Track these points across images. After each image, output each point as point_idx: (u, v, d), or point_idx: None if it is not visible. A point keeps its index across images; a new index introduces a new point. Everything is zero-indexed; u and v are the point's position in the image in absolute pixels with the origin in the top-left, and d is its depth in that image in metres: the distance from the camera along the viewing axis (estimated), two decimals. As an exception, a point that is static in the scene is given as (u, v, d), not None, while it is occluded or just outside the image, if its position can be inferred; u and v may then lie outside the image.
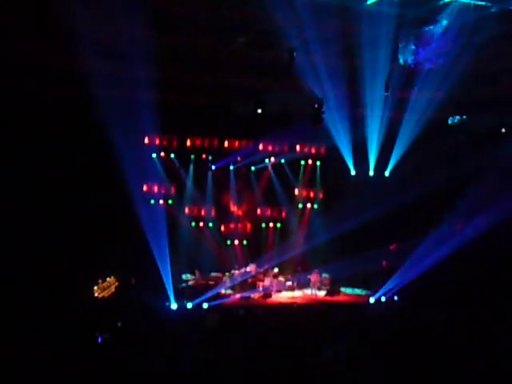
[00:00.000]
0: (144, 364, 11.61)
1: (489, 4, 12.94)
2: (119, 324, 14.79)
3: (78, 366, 11.38)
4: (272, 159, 23.86)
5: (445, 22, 13.10)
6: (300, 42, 14.80)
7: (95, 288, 19.12)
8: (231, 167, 23.40)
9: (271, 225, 24.33)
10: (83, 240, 18.65)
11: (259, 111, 18.18)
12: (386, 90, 17.19)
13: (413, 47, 13.78)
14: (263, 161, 23.82)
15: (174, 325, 16.18)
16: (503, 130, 21.11)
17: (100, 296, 19.08)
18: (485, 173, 19.83)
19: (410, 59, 13.70)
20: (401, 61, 13.90)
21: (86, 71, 15.18)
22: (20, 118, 17.78)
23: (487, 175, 19.75)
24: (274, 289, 21.40)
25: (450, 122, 21.37)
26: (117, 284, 19.93)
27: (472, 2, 12.29)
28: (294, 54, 14.80)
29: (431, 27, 13.33)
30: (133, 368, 11.20)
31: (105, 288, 19.47)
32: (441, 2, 13.02)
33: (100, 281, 19.45)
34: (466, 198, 19.95)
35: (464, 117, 21.20)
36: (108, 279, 19.78)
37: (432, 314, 16.45)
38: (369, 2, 13.13)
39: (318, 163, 24.48)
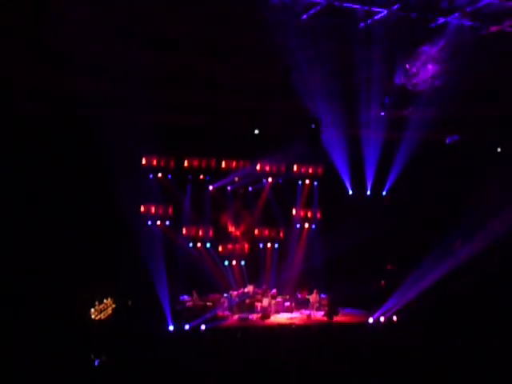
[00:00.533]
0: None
1: (484, 24, 13.07)
2: (116, 346, 14.70)
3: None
4: (269, 179, 23.89)
5: (440, 43, 13.21)
6: (297, 63, 14.89)
7: (92, 310, 18.97)
8: (229, 188, 23.41)
9: (269, 245, 24.23)
10: (80, 261, 18.55)
11: (256, 132, 18.29)
12: (383, 110, 17.30)
13: (409, 67, 13.87)
14: (261, 181, 23.84)
15: (171, 346, 16.08)
16: (499, 150, 21.20)
17: (97, 318, 18.93)
18: (482, 192, 19.87)
19: (406, 79, 13.79)
20: (397, 81, 13.99)
21: (84, 92, 15.25)
22: (18, 139, 17.78)
23: (484, 194, 19.80)
24: (273, 310, 21.29)
25: (447, 141, 21.45)
26: (114, 306, 19.79)
27: (467, 23, 12.42)
28: (291, 74, 14.90)
29: (427, 48, 13.44)
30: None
31: (102, 310, 19.32)
32: (437, 23, 13.14)
33: (97, 303, 19.31)
34: (464, 217, 19.97)
35: (460, 136, 21.27)
36: (105, 301, 19.64)
37: (431, 333, 16.41)
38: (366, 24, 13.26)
39: (316, 183, 24.50)
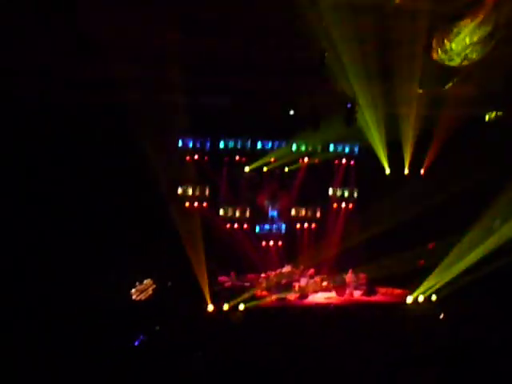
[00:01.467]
0: (181, 366, 11.73)
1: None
2: (157, 327, 14.96)
3: (115, 368, 11.57)
4: (306, 159, 23.80)
5: (479, 16, 12.84)
6: (331, 43, 14.73)
7: (133, 291, 19.34)
8: (265, 168, 23.40)
9: (306, 225, 24.25)
10: (120, 243, 18.90)
11: (291, 112, 18.21)
12: (420, 87, 17.00)
13: (446, 42, 13.55)
14: (297, 161, 23.76)
15: (210, 326, 16.30)
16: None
17: (137, 299, 19.29)
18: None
19: (443, 55, 13.48)
20: (434, 57, 13.69)
21: (118, 77, 15.38)
22: (58, 126, 18.12)
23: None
24: (310, 289, 21.34)
25: (487, 117, 20.97)
26: (154, 286, 20.12)
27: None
28: (326, 54, 14.74)
29: (465, 22, 13.09)
30: (169, 370, 11.32)
31: (142, 290, 19.68)
32: (474, -3, 12.79)
33: (137, 283, 19.67)
34: (504, 196, 19.59)
35: (501, 112, 20.78)
36: (145, 282, 19.99)
37: (471, 314, 16.26)
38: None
39: (352, 162, 24.32)
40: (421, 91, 17.33)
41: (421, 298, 19.97)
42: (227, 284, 21.59)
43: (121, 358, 12.12)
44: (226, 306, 18.54)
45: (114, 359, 11.95)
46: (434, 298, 19.88)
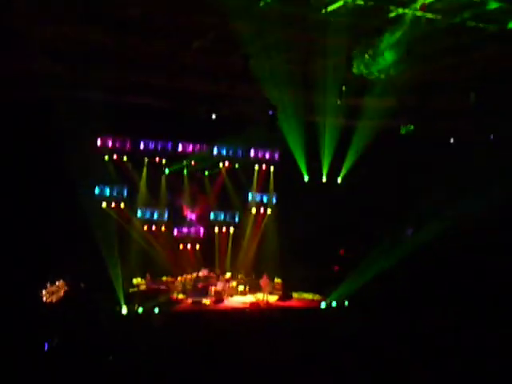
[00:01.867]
0: (91, 368, 11.48)
1: (439, 17, 13.30)
2: (67, 329, 14.57)
3: (24, 370, 11.18)
4: (226, 164, 23.89)
5: (397, 34, 13.37)
6: (256, 49, 14.87)
7: (43, 292, 18.73)
8: (185, 171, 23.31)
9: (224, 229, 24.33)
10: (32, 243, 18.27)
11: (214, 116, 18.24)
12: (340, 98, 17.46)
13: (366, 57, 13.99)
14: (217, 165, 23.82)
15: (124, 330, 16.04)
16: (451, 140, 21.65)
17: (48, 300, 18.70)
18: (434, 180, 20.32)
19: (363, 68, 13.91)
20: (354, 69, 14.10)
21: (39, 73, 14.92)
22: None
23: (437, 182, 20.26)
24: (226, 293, 21.42)
25: (401, 130, 21.78)
26: (66, 288, 19.57)
27: (423, 15, 12.60)
28: (250, 60, 14.88)
29: (384, 38, 13.58)
30: (80, 374, 11.06)
31: (53, 292, 19.09)
32: (394, 14, 13.29)
33: (48, 285, 19.07)
34: (416, 205, 20.41)
35: (414, 126, 21.62)
36: (57, 283, 19.40)
37: (382, 318, 16.81)
38: (329, 9, 13.30)
39: (272, 168, 24.63)
40: (340, 102, 17.77)
41: (334, 304, 20.46)
42: (142, 287, 21.32)
43: (29, 362, 11.70)
44: (140, 309, 18.30)
45: (21, 362, 11.54)
46: (346, 303, 20.41)
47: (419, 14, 12.58)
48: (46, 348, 13.24)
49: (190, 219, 23.78)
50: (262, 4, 12.04)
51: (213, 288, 21.44)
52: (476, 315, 16.87)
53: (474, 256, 20.11)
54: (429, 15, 12.89)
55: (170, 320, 17.02)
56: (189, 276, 21.93)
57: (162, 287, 21.22)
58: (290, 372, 11.62)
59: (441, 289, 19.55)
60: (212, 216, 24.15)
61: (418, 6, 12.41)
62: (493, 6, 12.56)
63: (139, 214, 22.70)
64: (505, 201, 19.34)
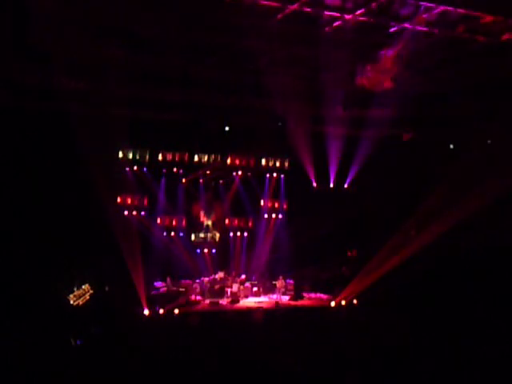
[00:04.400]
0: (118, 368, 11.56)
1: (437, 31, 13.35)
2: (94, 331, 14.67)
3: (53, 371, 11.28)
4: (239, 172, 23.99)
5: (397, 47, 13.44)
6: (265, 64, 14.98)
7: (70, 296, 18.86)
8: (201, 180, 23.45)
9: (238, 234, 24.38)
10: (59, 249, 18.43)
11: (227, 128, 18.35)
12: (344, 109, 17.52)
13: (369, 70, 14.08)
14: (231, 174, 23.93)
15: (146, 330, 16.12)
16: (451, 146, 21.62)
17: (75, 304, 18.82)
18: (435, 186, 20.28)
19: (365, 81, 14.00)
20: (357, 82, 14.19)
21: (64, 89, 15.09)
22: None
23: (438, 188, 20.22)
24: (242, 294, 21.48)
25: (404, 138, 21.79)
26: (91, 292, 19.70)
27: (421, 29, 12.67)
28: (260, 75, 15.01)
29: (385, 52, 13.65)
30: (108, 372, 11.15)
31: (80, 296, 19.21)
32: (393, 30, 13.36)
33: (75, 289, 19.20)
34: (419, 209, 20.37)
35: (416, 134, 21.63)
36: (83, 287, 19.54)
37: (389, 316, 16.77)
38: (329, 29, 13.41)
39: (282, 176, 24.68)
40: (344, 112, 17.83)
41: (343, 302, 20.43)
42: (163, 289, 21.41)
43: (58, 362, 11.82)
44: (161, 311, 18.39)
45: (51, 363, 11.65)
46: (355, 302, 20.37)
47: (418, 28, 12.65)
48: (74, 347, 13.33)
49: (207, 225, 23.83)
50: None
51: (229, 290, 21.52)
52: (480, 313, 16.78)
53: (474, 256, 20.05)
54: (426, 29, 12.96)
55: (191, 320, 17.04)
56: (206, 278, 21.99)
57: (182, 289, 21.26)
58: (300, 366, 11.65)
59: (442, 288, 19.47)
60: (227, 222, 24.21)
61: (416, 21, 12.48)
62: (488, 18, 12.62)
63: (159, 221, 22.81)
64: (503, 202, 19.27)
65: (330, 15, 12.85)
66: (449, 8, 12.28)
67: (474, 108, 16.90)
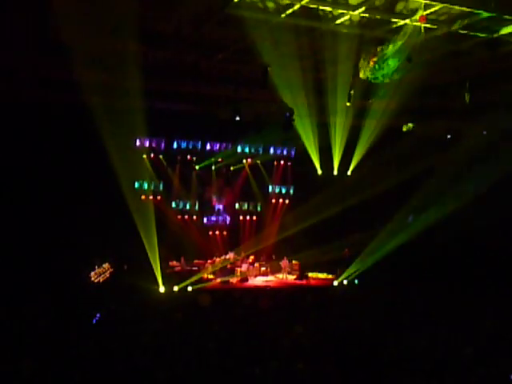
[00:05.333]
0: (134, 341, 11.59)
1: (435, 26, 13.16)
2: (113, 306, 14.72)
3: (75, 341, 11.34)
4: (249, 160, 23.91)
5: (399, 42, 13.23)
6: (273, 58, 14.84)
7: (92, 273, 18.98)
8: (213, 167, 23.38)
9: (248, 218, 24.36)
10: (81, 230, 18.53)
11: (237, 118, 18.24)
12: (348, 100, 17.35)
13: (371, 63, 13.88)
14: (241, 161, 23.84)
15: (162, 306, 16.16)
16: (449, 136, 21.40)
17: (96, 281, 18.94)
18: (433, 174, 20.13)
19: (368, 74, 13.80)
20: (361, 75, 14.00)
21: (84, 82, 15.03)
22: (21, 123, 17.52)
23: (435, 176, 20.07)
24: (251, 274, 21.49)
25: (403, 128, 21.59)
26: (111, 270, 19.80)
27: (422, 25, 12.47)
28: (268, 68, 14.84)
29: (387, 46, 13.45)
30: (124, 344, 11.17)
31: (100, 273, 19.34)
32: (396, 25, 13.18)
33: (96, 267, 19.31)
34: (416, 195, 20.25)
35: (415, 124, 21.43)
36: (103, 266, 19.65)
37: (388, 294, 16.74)
38: (334, 24, 13.24)
39: (289, 163, 24.61)
40: (349, 104, 17.65)
41: (345, 282, 20.41)
42: (177, 268, 21.49)
43: (82, 333, 11.86)
44: (175, 288, 18.45)
45: (73, 334, 11.70)
46: (356, 282, 20.35)
47: (418, 24, 12.46)
48: (94, 321, 13.38)
49: (218, 209, 23.83)
50: None
51: (238, 269, 21.54)
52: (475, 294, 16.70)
53: (470, 240, 19.95)
54: (427, 25, 12.76)
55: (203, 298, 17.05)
56: (217, 259, 22.02)
57: (195, 269, 21.35)
58: (303, 341, 11.62)
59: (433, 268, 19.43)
60: (237, 206, 24.18)
61: (417, 17, 12.31)
62: (484, 15, 12.42)
63: (173, 205, 22.82)
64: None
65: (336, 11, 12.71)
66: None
67: (471, 100, 16.64)
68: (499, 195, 19.62)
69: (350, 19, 13.06)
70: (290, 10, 12.30)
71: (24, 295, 14.58)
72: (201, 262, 22.01)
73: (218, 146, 23.06)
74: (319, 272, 22.22)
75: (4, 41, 13.77)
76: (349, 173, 22.86)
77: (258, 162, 24.08)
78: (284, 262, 21.87)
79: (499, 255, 19.69)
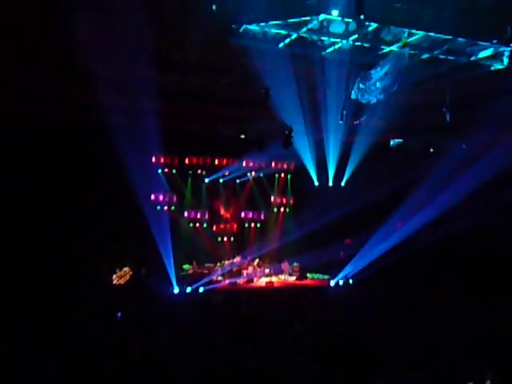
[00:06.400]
0: (151, 337, 11.54)
1: (419, 52, 13.19)
2: (132, 305, 14.68)
3: (97, 337, 11.30)
4: (253, 173, 23.93)
5: (386, 66, 13.27)
6: (273, 81, 14.89)
7: (114, 276, 18.96)
8: (221, 180, 23.40)
9: (252, 225, 24.31)
10: (104, 238, 18.52)
11: (242, 136, 18.28)
12: (341, 119, 17.34)
13: (361, 85, 13.91)
14: (246, 175, 23.86)
15: (176, 305, 16.12)
16: (431, 150, 21.40)
17: (117, 283, 18.91)
18: (417, 184, 20.10)
19: (359, 95, 13.83)
20: (352, 96, 14.03)
21: (105, 104, 15.12)
22: (48, 142, 17.60)
23: (419, 186, 20.04)
24: (256, 275, 21.40)
25: (391, 143, 21.60)
26: (131, 273, 19.77)
27: (406, 51, 12.55)
28: (269, 91, 14.89)
29: (376, 70, 13.50)
30: (141, 340, 11.12)
31: (121, 276, 19.32)
32: (382, 51, 13.23)
33: (118, 270, 19.29)
34: (403, 203, 20.20)
35: (402, 140, 21.46)
36: (124, 269, 19.62)
37: (379, 294, 16.63)
38: (328, 51, 13.31)
39: (289, 176, 24.63)
40: (341, 122, 17.67)
41: (340, 282, 20.30)
42: (190, 271, 21.41)
43: (104, 331, 11.81)
44: (188, 289, 18.38)
45: (96, 331, 11.66)
46: (350, 281, 20.24)
47: (402, 50, 12.52)
48: (117, 318, 13.34)
49: (226, 218, 23.81)
50: None
51: (245, 271, 21.46)
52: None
53: (453, 241, 19.83)
54: (410, 51, 12.82)
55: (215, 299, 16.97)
56: (226, 262, 21.95)
57: (205, 271, 21.26)
58: (307, 336, 11.54)
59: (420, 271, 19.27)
60: (243, 215, 24.15)
61: (401, 44, 12.37)
62: (461, 41, 12.45)
63: (186, 214, 22.82)
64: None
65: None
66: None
67: (451, 117, 16.61)
68: (478, 203, 19.51)
69: (342, 46, 13.09)
70: (288, 40, 12.40)
71: (51, 296, 14.53)
72: (211, 265, 21.93)
73: (225, 161, 23.09)
74: (317, 273, 22.10)
75: (32, 65, 13.88)
76: (343, 184, 22.85)
77: (261, 175, 24.08)
78: (285, 265, 21.83)
79: (485, 255, 19.57)
